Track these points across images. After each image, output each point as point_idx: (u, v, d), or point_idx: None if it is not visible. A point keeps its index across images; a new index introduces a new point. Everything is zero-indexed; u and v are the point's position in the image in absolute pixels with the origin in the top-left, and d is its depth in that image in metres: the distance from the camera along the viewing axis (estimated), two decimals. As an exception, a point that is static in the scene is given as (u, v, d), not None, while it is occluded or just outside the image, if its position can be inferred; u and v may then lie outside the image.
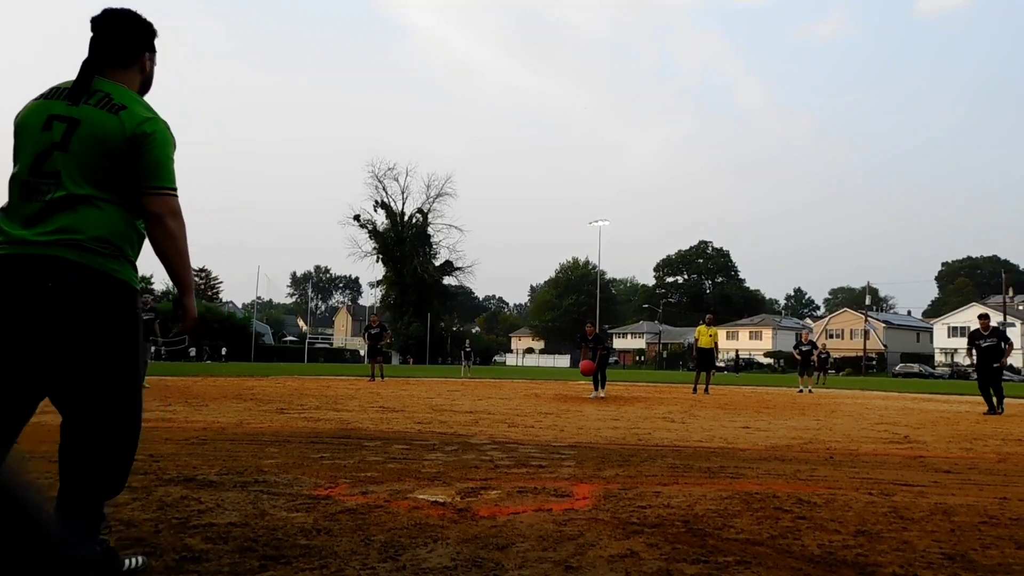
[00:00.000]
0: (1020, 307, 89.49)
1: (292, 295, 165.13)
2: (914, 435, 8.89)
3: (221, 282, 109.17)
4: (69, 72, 2.61)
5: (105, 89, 2.56)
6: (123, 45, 2.67)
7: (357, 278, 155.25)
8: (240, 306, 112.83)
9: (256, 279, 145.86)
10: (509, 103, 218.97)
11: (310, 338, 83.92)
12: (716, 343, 19.66)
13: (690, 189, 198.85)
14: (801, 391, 21.67)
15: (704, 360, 19.67)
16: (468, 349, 37.89)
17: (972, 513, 3.99)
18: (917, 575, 2.81)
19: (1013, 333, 76.44)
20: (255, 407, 10.41)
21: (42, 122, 2.50)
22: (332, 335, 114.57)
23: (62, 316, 2.37)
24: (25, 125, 2.52)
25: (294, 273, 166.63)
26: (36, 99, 2.57)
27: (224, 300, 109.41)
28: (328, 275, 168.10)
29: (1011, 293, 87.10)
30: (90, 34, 2.65)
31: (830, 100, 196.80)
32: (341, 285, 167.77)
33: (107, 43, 2.65)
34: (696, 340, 20.02)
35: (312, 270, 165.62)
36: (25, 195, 2.47)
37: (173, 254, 2.60)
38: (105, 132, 2.48)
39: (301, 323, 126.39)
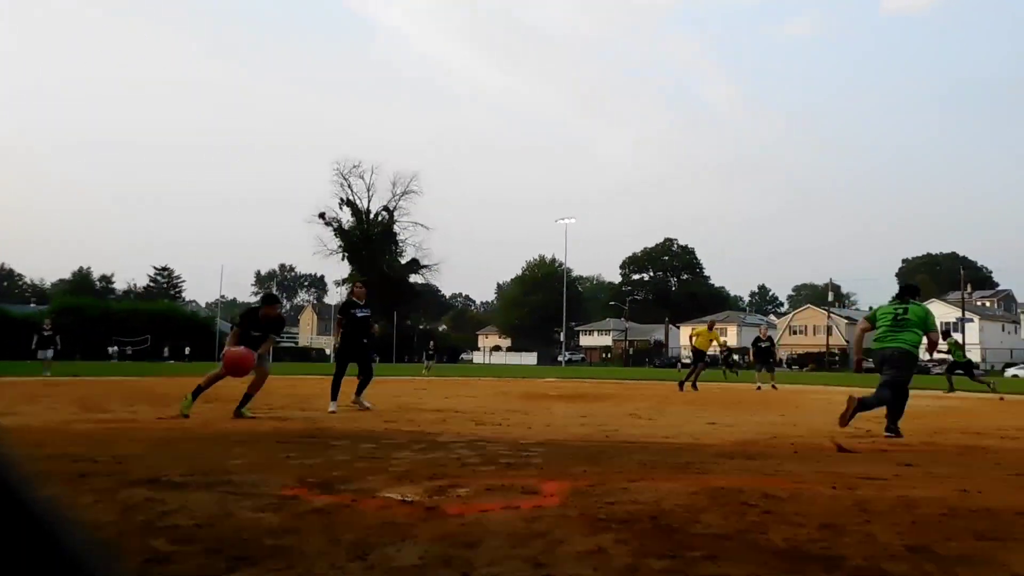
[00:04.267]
0: (978, 303, 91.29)
1: (256, 293, 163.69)
2: (877, 429, 9.02)
3: (183, 281, 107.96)
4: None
5: None
6: None
7: (323, 276, 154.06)
8: (203, 305, 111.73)
9: (220, 277, 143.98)
10: (477, 101, 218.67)
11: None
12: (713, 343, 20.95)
13: (657, 187, 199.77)
14: (759, 387, 21.56)
15: (697, 357, 20.52)
16: (431, 352, 38.26)
17: (934, 505, 4.06)
18: (881, 567, 2.85)
19: (971, 328, 78.01)
20: (220, 407, 10.31)
21: None
22: (298, 334, 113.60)
23: None
24: None
25: (258, 271, 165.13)
26: None
27: (187, 299, 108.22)
28: (293, 273, 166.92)
29: (970, 289, 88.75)
30: None
31: (797, 100, 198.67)
32: (307, 283, 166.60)
33: None
34: (693, 339, 20.86)
35: (277, 268, 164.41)
36: None
37: None
38: None
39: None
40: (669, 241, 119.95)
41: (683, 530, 3.40)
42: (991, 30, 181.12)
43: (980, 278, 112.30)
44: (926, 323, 8.40)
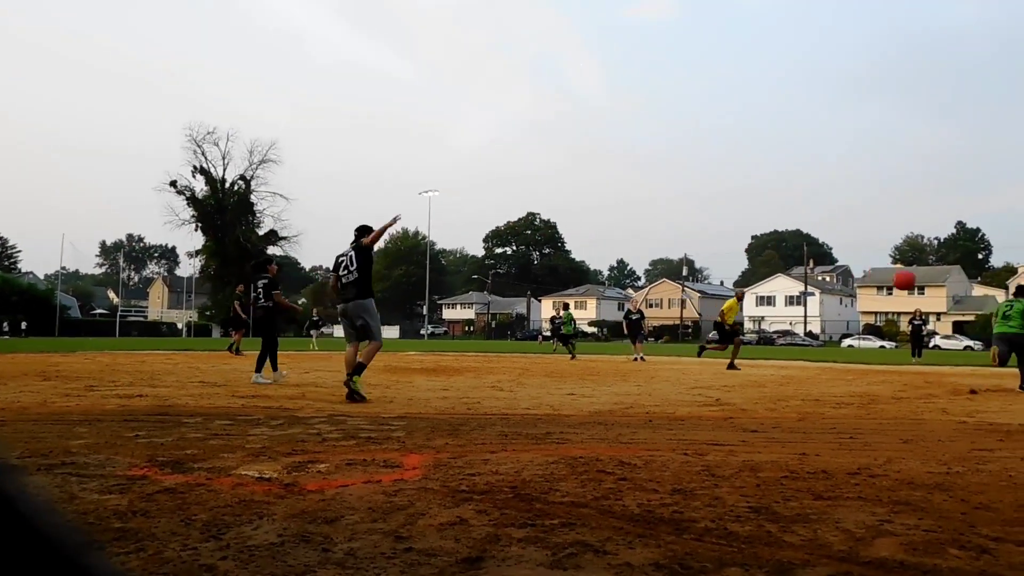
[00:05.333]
0: (819, 277, 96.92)
1: (102, 265, 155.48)
2: (725, 398, 9.47)
3: (19, 251, 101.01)
4: None
5: None
6: None
7: (174, 247, 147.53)
8: (42, 277, 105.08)
9: (60, 248, 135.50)
10: (339, 72, 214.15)
11: (122, 311, 79.12)
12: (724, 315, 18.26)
13: (520, 162, 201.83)
14: (636, 359, 22.04)
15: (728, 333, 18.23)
16: (316, 319, 35.99)
17: (775, 469, 4.30)
18: (727, 528, 3.00)
19: (813, 302, 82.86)
20: (61, 385, 9.73)
21: None
22: (147, 308, 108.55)
23: None
24: None
25: (103, 242, 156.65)
26: None
27: (23, 270, 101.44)
28: (142, 244, 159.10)
29: (812, 265, 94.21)
30: None
31: (656, 83, 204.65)
32: (156, 255, 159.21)
33: None
34: (727, 314, 18.12)
35: (124, 239, 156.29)
36: None
37: None
38: None
39: (112, 295, 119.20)
40: (532, 215, 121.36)
41: (542, 499, 3.47)
42: (833, 22, 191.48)
43: (821, 254, 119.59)
44: None
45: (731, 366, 16.78)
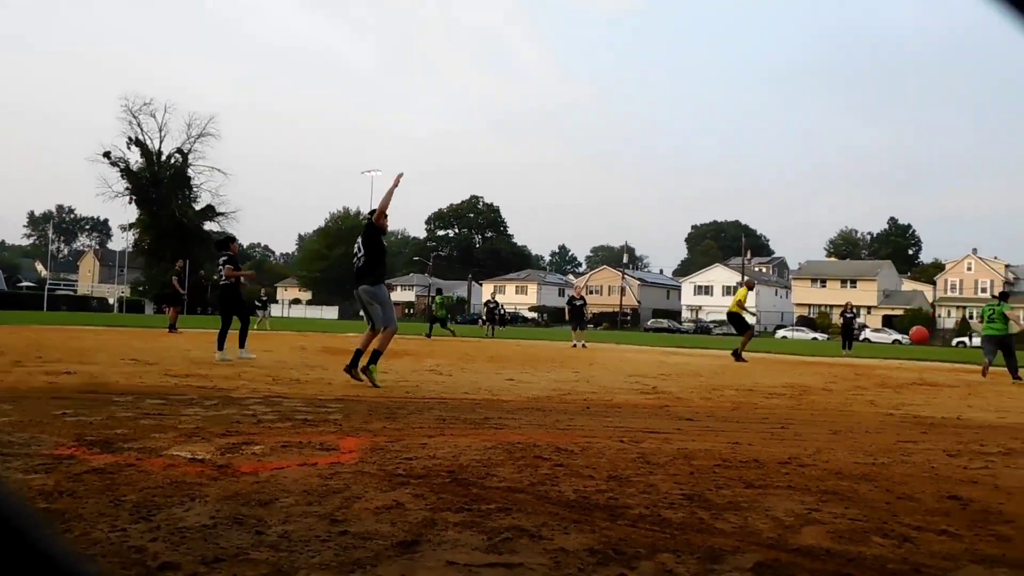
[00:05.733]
0: (756, 268, 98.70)
1: (29, 236, 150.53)
2: (662, 386, 9.61)
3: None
4: None
5: None
6: None
7: (107, 220, 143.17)
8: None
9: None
10: (282, 45, 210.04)
11: (51, 284, 76.91)
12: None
13: (465, 145, 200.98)
14: (575, 345, 22.16)
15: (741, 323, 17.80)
16: (265, 298, 35.65)
17: (709, 457, 4.38)
18: (660, 514, 3.04)
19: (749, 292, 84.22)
20: (-15, 359, 9.42)
21: None
22: (77, 281, 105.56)
23: None
24: None
25: (32, 212, 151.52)
26: None
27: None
28: (73, 216, 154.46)
29: (750, 256, 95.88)
30: None
31: (602, 65, 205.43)
32: (88, 227, 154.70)
33: None
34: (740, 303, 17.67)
35: (54, 210, 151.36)
36: None
37: None
38: None
39: (40, 267, 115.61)
40: (475, 199, 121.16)
41: (479, 484, 3.48)
42: (774, 18, 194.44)
43: (759, 245, 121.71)
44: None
45: (738, 357, 16.33)
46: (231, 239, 12.49)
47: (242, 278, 12.04)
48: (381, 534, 2.65)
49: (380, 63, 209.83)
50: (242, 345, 11.36)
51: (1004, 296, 14.63)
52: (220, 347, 11.07)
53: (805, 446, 4.95)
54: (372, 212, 8.73)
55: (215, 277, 11.97)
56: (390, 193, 8.38)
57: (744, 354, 16.69)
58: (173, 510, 2.86)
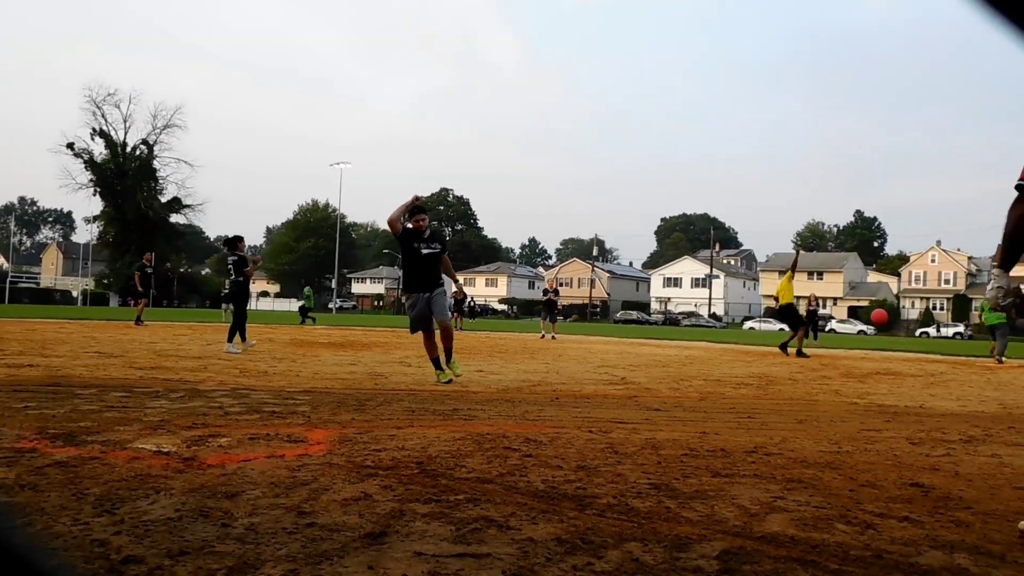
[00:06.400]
0: (725, 261, 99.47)
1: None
2: (630, 377, 9.66)
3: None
4: None
5: None
6: None
7: (70, 212, 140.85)
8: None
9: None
10: (248, 36, 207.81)
11: (12, 277, 75.57)
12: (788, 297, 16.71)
13: (435, 137, 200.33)
14: (544, 336, 22.32)
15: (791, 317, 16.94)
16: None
17: (676, 447, 4.41)
18: (628, 504, 3.06)
19: (717, 284, 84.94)
20: (-55, 353, 9.25)
21: None
22: (39, 274, 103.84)
23: None
24: None
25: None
26: None
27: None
28: (35, 208, 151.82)
29: (718, 248, 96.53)
30: None
31: (572, 58, 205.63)
32: (51, 220, 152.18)
33: None
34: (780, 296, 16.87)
35: (16, 201, 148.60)
36: None
37: None
38: None
39: (1, 260, 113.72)
40: (445, 191, 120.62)
41: (448, 475, 3.48)
42: (743, 13, 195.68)
43: (727, 238, 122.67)
44: None
45: (800, 352, 16.08)
46: (239, 239, 12.68)
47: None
48: (349, 526, 2.64)
49: (346, 52, 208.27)
50: (230, 340, 11.67)
51: None
52: (231, 340, 11.67)
53: (771, 435, 5.00)
54: None
55: (228, 278, 12.43)
56: (399, 208, 8.58)
57: (803, 349, 16.40)
58: (137, 503, 2.83)
